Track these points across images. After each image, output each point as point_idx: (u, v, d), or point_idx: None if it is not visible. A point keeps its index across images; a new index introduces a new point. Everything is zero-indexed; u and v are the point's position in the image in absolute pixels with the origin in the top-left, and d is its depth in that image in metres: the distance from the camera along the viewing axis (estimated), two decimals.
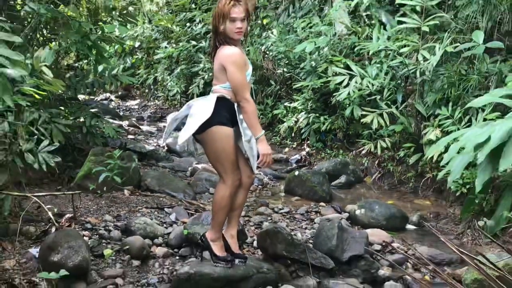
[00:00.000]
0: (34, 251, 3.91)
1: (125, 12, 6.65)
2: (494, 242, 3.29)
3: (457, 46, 5.87)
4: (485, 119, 5.21)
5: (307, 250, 3.97)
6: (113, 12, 6.58)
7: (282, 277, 3.84)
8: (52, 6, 5.82)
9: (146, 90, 13.73)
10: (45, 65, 5.08)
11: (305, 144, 7.90)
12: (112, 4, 6.69)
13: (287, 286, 3.64)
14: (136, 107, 12.31)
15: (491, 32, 6.23)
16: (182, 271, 3.65)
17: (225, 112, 3.63)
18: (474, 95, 5.67)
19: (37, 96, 4.63)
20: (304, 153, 7.71)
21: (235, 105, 3.66)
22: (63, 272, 3.26)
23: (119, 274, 3.74)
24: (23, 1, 6.05)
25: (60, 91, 5.32)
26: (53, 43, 6.34)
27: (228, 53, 3.59)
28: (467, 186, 5.12)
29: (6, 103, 3.46)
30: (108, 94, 13.56)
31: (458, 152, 4.74)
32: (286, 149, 8.05)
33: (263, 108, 8.84)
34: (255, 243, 4.32)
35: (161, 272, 3.88)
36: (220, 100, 3.63)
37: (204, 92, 10.54)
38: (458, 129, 5.39)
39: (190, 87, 10.61)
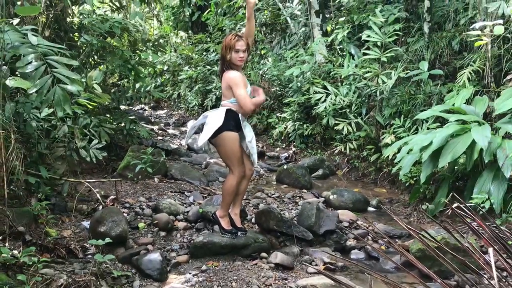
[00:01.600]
0: (86, 223, 3.91)
1: (156, 43, 6.61)
2: (434, 221, 3.29)
3: (407, 73, 5.87)
4: (428, 128, 5.21)
5: (293, 225, 3.97)
6: (148, 43, 6.56)
7: (273, 246, 3.84)
8: (101, 37, 5.82)
9: (172, 103, 13.69)
10: (96, 83, 5.10)
11: (292, 145, 7.84)
12: (147, 37, 6.69)
13: (277, 252, 3.60)
14: (164, 115, 12.25)
15: (434, 62, 6.24)
16: (198, 240, 3.65)
17: (232, 121, 3.64)
18: (420, 110, 5.67)
19: (89, 106, 4.64)
20: (291, 152, 7.67)
21: (239, 115, 3.67)
22: (107, 239, 3.26)
23: (150, 241, 3.73)
24: (79, 34, 6.03)
25: (106, 102, 5.32)
26: (102, 66, 6.32)
27: (232, 76, 3.61)
28: (414, 178, 5.10)
29: (66, 110, 3.45)
30: (143, 105, 13.50)
31: (408, 153, 4.77)
32: (277, 149, 8.00)
33: (260, 117, 8.81)
34: (253, 220, 4.29)
35: (182, 241, 3.86)
36: (228, 112, 3.63)
37: (216, 105, 10.50)
38: (408, 135, 5.38)
39: (205, 101, 10.57)
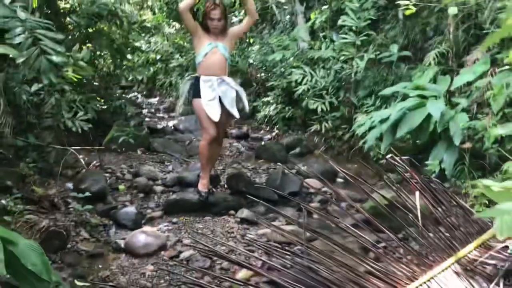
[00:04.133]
0: (70, 185, 4.27)
1: (143, 25, 6.95)
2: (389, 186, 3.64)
3: (378, 55, 6.24)
4: None
5: (260, 188, 4.34)
6: (134, 25, 6.90)
7: (241, 205, 4.15)
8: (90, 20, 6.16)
9: (164, 91, 14.04)
10: (83, 61, 5.45)
11: (275, 128, 8.22)
12: (136, 19, 7.02)
13: (244, 209, 3.96)
14: (156, 102, 12.62)
15: (407, 47, 6.58)
16: (171, 198, 4.03)
17: (195, 87, 4.10)
18: None
19: (74, 79, 4.98)
20: (274, 134, 8.03)
21: (200, 78, 4.09)
22: (87, 193, 3.63)
23: (128, 200, 4.11)
24: (70, 16, 6.37)
25: (90, 76, 5.68)
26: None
27: None
28: (378, 151, 5.43)
29: (51, 79, 3.80)
30: (136, 93, 13.86)
31: (371, 127, 5.13)
32: (261, 132, 8.34)
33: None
34: (226, 185, 4.65)
35: (158, 201, 4.24)
36: (192, 80, 4.19)
37: None
38: None
39: None
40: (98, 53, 6.70)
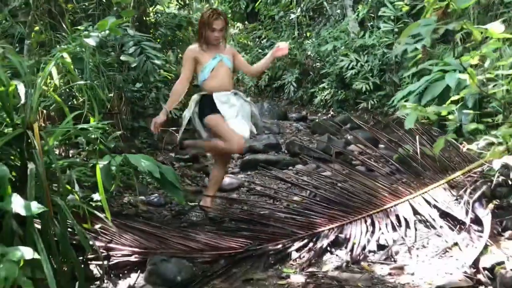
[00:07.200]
0: (172, 154, 5.87)
1: None
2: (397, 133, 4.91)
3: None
4: None
5: (311, 150, 5.69)
6: None
7: (297, 163, 5.52)
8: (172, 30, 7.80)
9: None
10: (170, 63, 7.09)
11: (330, 110, 9.50)
12: None
13: (299, 165, 5.34)
14: None
15: (446, 32, 7.60)
16: (245, 158, 5.49)
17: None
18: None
19: (169, 77, 6.61)
20: (329, 115, 9.31)
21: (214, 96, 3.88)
22: (187, 156, 5.19)
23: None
24: (155, 29, 8.06)
25: None
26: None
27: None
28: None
29: (155, 77, 5.42)
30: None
31: (403, 98, 6.30)
32: (319, 114, 9.62)
33: (305, 90, 10.54)
34: (285, 151, 6.06)
35: (235, 163, 5.70)
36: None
37: (268, 84, 12.39)
38: None
39: (259, 82, 12.45)
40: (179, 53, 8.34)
